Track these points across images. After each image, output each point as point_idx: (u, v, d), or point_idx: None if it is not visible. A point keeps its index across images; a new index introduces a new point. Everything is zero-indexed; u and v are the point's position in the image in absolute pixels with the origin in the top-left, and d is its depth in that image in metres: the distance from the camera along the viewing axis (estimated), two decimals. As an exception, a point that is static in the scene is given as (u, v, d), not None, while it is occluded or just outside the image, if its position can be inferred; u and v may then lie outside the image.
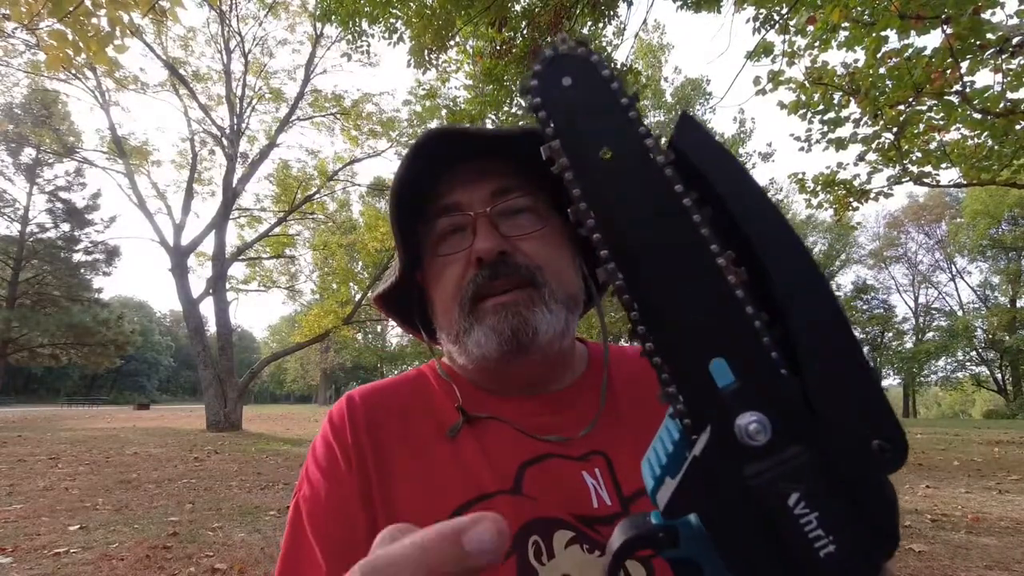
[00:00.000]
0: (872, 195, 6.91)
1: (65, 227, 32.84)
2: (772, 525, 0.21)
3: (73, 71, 12.03)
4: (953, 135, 6.05)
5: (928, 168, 6.41)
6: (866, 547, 0.22)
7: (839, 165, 6.91)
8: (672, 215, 0.23)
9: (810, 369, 0.22)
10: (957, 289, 37.56)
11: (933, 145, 6.16)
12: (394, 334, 44.44)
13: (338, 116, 16.81)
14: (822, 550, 0.21)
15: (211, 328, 16.78)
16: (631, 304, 0.23)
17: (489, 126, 0.64)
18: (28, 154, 29.58)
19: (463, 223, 0.60)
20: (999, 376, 34.39)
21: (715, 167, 0.23)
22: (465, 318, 0.58)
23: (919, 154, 6.26)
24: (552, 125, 0.24)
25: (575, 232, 0.64)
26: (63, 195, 32.58)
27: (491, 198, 0.60)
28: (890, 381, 40.97)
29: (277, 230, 17.46)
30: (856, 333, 0.22)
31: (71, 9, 2.80)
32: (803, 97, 5.99)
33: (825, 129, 6.13)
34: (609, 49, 6.39)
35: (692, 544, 0.24)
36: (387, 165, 31.72)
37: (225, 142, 15.69)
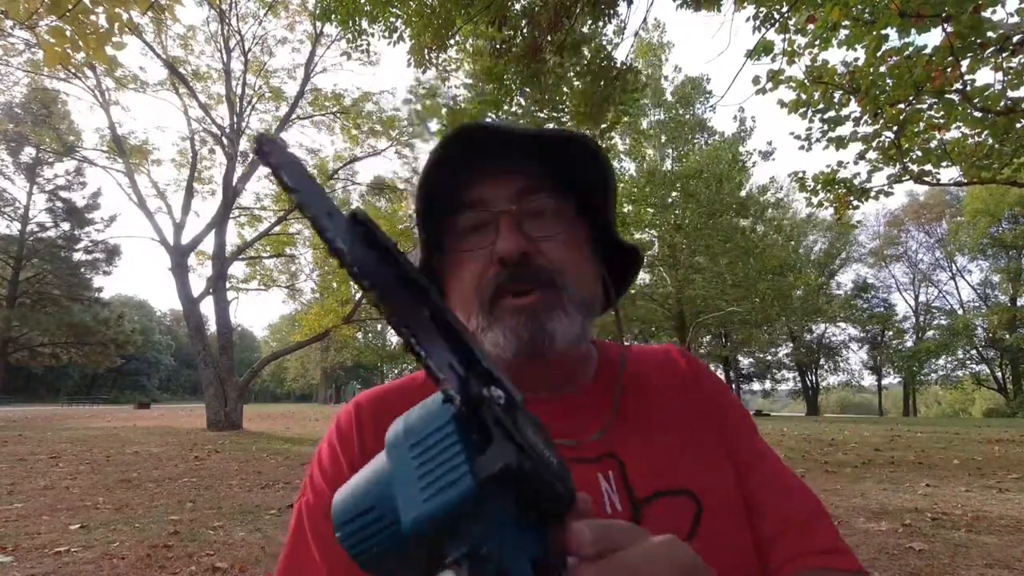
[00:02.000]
0: (872, 194, 6.91)
1: (65, 226, 32.86)
2: None
3: (72, 69, 12.01)
4: (953, 133, 6.05)
5: (928, 167, 6.41)
6: None
7: (839, 164, 6.91)
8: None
9: None
10: (957, 288, 37.64)
11: (933, 144, 6.16)
12: (394, 332, 44.43)
13: (338, 115, 16.80)
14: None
15: (211, 327, 16.80)
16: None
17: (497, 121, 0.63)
18: (28, 153, 29.59)
19: (486, 220, 0.59)
20: (999, 375, 34.42)
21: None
22: (484, 316, 0.58)
23: (919, 153, 6.26)
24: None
25: (597, 236, 0.64)
26: (63, 194, 32.60)
27: (517, 196, 0.59)
28: (890, 380, 41.02)
29: (277, 229, 17.46)
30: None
31: (70, 7, 2.80)
32: (803, 96, 5.98)
33: (825, 128, 6.12)
34: (609, 48, 6.38)
35: None
36: (387, 164, 31.73)
37: (225, 141, 15.69)
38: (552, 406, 0.62)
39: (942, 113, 5.40)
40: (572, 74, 6.36)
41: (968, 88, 4.82)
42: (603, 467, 0.57)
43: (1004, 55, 4.45)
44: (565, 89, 6.47)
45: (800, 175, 7.30)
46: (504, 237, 0.57)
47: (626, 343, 0.69)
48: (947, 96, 5.08)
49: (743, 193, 22.91)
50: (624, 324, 0.69)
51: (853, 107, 5.86)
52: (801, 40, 5.57)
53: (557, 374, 0.62)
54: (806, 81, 5.85)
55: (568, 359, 0.61)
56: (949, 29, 4.15)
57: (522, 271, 0.56)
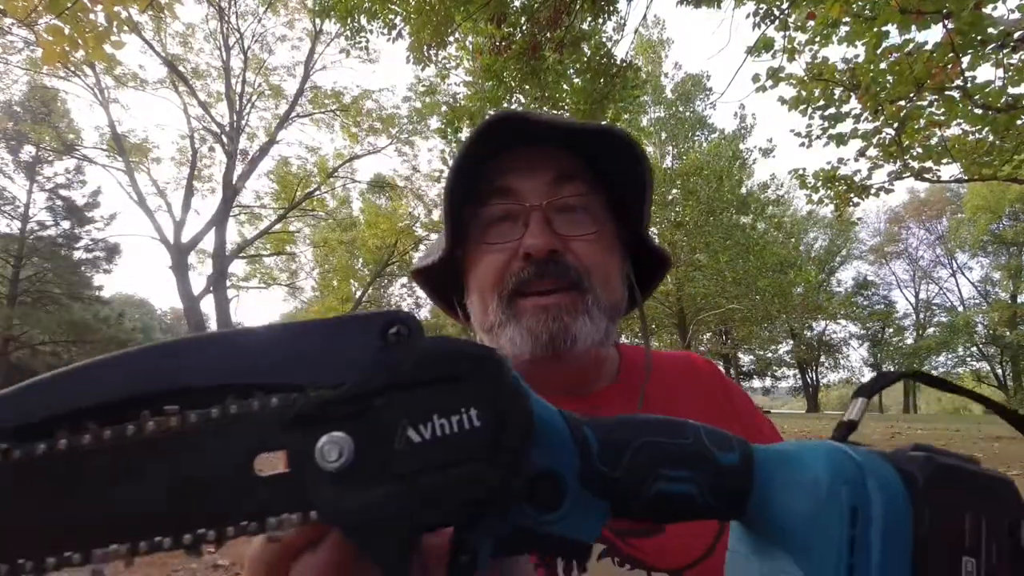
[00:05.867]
0: (873, 191, 6.90)
1: (65, 225, 32.75)
2: None
3: (71, 67, 12.00)
4: (954, 130, 6.03)
5: (929, 163, 6.40)
6: None
7: (840, 161, 6.90)
8: None
9: None
10: (958, 285, 37.57)
11: (934, 141, 6.14)
12: (394, 331, 44.46)
13: (338, 113, 16.79)
14: None
15: (212, 325, 16.80)
16: None
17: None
18: (28, 152, 29.55)
19: (516, 212, 0.57)
20: (1000, 372, 34.44)
21: None
22: (503, 311, 0.56)
23: (920, 150, 6.25)
24: None
25: (626, 236, 0.62)
26: (63, 193, 32.47)
27: (548, 188, 0.57)
28: (891, 377, 40.98)
29: (277, 227, 17.48)
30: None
31: (68, 5, 2.79)
32: (803, 93, 5.97)
33: (826, 125, 6.11)
34: (609, 45, 6.37)
35: None
36: (387, 162, 31.68)
37: (225, 139, 15.68)
38: (575, 404, 0.61)
39: (943, 110, 5.38)
40: (572, 71, 6.35)
41: (969, 85, 4.81)
42: None
43: (1005, 52, 4.43)
44: (564, 86, 6.45)
45: (800, 172, 7.29)
46: (533, 232, 0.55)
47: (624, 340, 0.68)
48: (948, 93, 5.06)
49: (743, 190, 22.86)
50: (626, 321, 0.68)
51: (853, 104, 5.84)
52: (801, 37, 5.55)
53: (576, 375, 0.61)
54: (806, 78, 5.83)
55: (587, 361, 0.59)
56: (950, 26, 4.14)
57: (549, 269, 0.55)
